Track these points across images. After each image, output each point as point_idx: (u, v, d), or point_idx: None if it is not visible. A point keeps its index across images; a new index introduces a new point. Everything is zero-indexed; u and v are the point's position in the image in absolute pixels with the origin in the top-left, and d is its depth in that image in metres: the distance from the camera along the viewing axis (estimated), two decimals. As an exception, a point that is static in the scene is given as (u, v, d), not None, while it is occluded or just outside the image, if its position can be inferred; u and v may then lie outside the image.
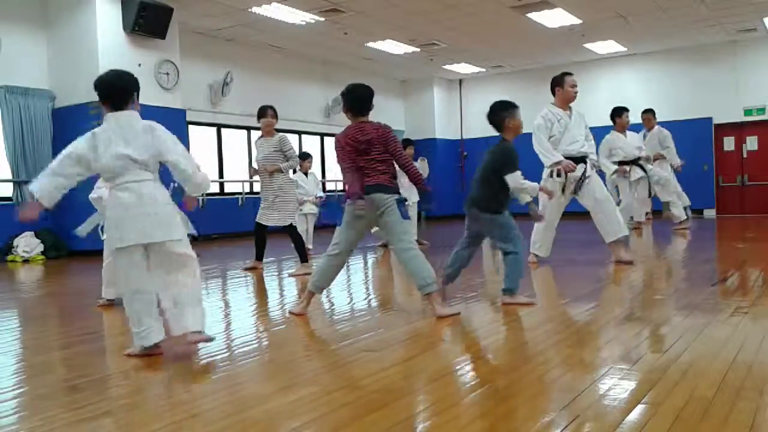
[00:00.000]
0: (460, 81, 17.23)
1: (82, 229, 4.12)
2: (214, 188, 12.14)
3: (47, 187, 2.99)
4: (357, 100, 3.96)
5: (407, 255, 3.93)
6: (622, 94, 14.88)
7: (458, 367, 2.87)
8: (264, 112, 6.51)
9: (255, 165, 6.67)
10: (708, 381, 2.45)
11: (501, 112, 4.17)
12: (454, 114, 17.46)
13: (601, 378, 2.58)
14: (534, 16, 11.09)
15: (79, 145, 3.05)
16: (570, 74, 5.99)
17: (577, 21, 11.55)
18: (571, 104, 5.99)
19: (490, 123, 4.23)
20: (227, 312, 4.63)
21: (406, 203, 4.02)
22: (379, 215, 3.92)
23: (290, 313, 4.20)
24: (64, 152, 3.06)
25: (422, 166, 9.30)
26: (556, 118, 5.87)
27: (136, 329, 3.10)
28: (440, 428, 2.07)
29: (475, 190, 4.22)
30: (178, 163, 3.11)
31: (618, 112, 8.93)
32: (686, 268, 6.22)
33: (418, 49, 13.33)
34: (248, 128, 12.83)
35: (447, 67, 15.39)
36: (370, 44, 12.80)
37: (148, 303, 3.11)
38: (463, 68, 15.66)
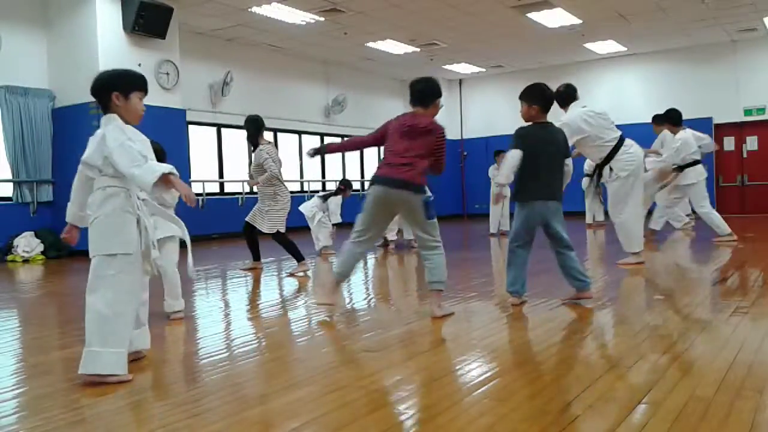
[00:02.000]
0: (460, 81, 17.23)
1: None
2: (215, 188, 12.13)
3: (71, 210, 3.00)
4: (415, 91, 4.02)
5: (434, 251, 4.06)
6: (622, 94, 14.89)
7: (458, 367, 2.87)
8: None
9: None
10: (708, 381, 2.45)
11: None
12: (454, 114, 17.45)
13: (601, 378, 2.58)
14: (534, 16, 11.09)
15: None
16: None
17: (577, 21, 11.54)
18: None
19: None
20: (227, 312, 4.63)
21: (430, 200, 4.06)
22: (404, 211, 3.99)
23: (318, 303, 4.31)
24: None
25: None
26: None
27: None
28: (440, 428, 2.07)
29: (550, 179, 4.10)
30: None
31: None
32: (686, 268, 6.22)
33: (418, 49, 13.33)
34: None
35: (447, 67, 15.39)
36: (370, 44, 12.80)
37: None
38: (463, 68, 15.66)
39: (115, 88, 2.86)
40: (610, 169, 5.73)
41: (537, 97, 4.11)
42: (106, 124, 2.85)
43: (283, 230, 6.48)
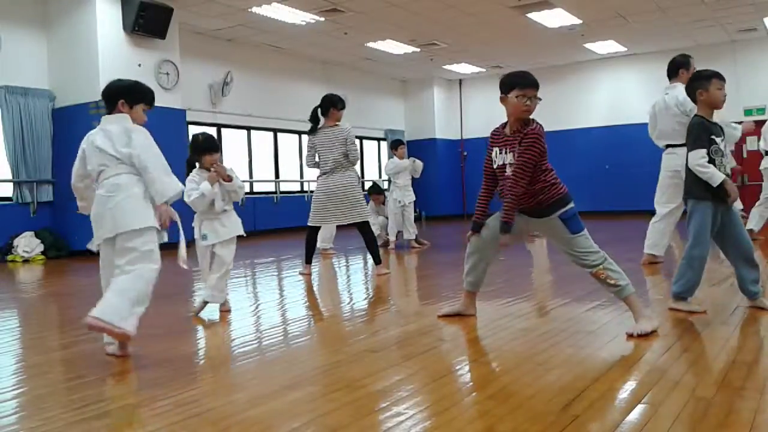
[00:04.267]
0: (460, 81, 17.23)
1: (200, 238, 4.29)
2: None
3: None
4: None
5: None
6: (622, 94, 14.90)
7: (458, 367, 2.87)
8: (342, 103, 6.21)
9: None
10: (708, 381, 2.45)
11: (693, 83, 3.75)
12: (454, 114, 17.46)
13: (601, 378, 2.58)
14: (534, 16, 11.09)
15: None
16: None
17: (577, 21, 11.55)
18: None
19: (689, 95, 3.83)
20: (227, 312, 4.63)
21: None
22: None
23: (439, 316, 3.89)
24: None
25: (415, 167, 9.27)
26: None
27: None
28: (440, 428, 2.07)
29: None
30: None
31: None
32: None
33: (418, 49, 13.33)
34: (248, 128, 12.84)
35: (447, 67, 15.40)
36: (370, 44, 12.80)
37: None
38: (463, 68, 15.67)
39: (123, 96, 3.21)
40: None
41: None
42: (120, 122, 3.16)
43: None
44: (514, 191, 3.40)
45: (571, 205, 3.45)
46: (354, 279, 6.35)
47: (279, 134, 13.53)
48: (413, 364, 2.91)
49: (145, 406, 2.48)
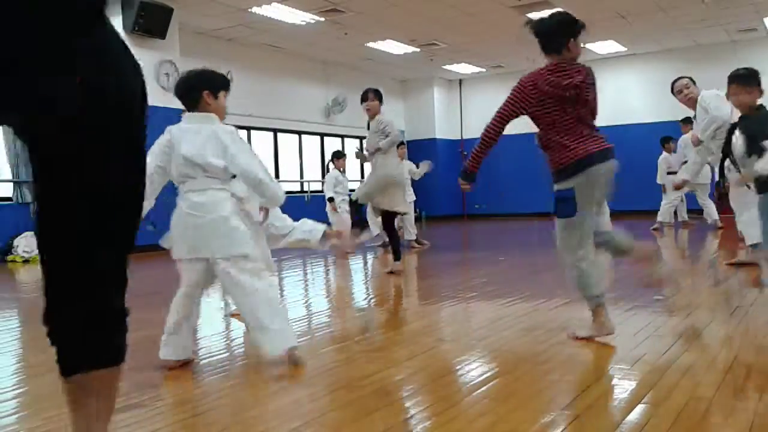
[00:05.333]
0: (460, 81, 17.23)
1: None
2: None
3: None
4: (542, 34, 3.10)
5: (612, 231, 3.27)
6: (622, 94, 14.89)
7: (458, 367, 2.87)
8: (365, 96, 6.31)
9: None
10: (708, 381, 2.45)
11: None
12: (454, 114, 17.46)
13: (601, 378, 2.59)
14: (534, 16, 11.05)
15: None
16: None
17: (577, 21, 11.55)
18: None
19: None
20: (226, 312, 4.63)
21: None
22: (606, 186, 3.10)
23: (576, 338, 3.18)
24: None
25: (419, 172, 9.30)
26: None
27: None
28: (440, 428, 2.07)
29: None
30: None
31: None
32: (686, 268, 6.22)
33: (418, 49, 13.33)
34: (248, 128, 12.83)
35: (447, 67, 15.39)
36: (370, 44, 12.80)
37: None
38: (463, 68, 15.66)
39: (207, 86, 2.93)
40: None
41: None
42: (208, 123, 2.88)
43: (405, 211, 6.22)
44: (482, 134, 3.27)
45: (569, 184, 3.00)
46: (354, 279, 6.35)
47: (279, 134, 13.53)
48: (413, 364, 2.91)
49: (145, 406, 2.48)
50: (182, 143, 2.82)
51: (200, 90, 2.92)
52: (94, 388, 1.42)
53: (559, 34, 3.04)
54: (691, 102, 5.69)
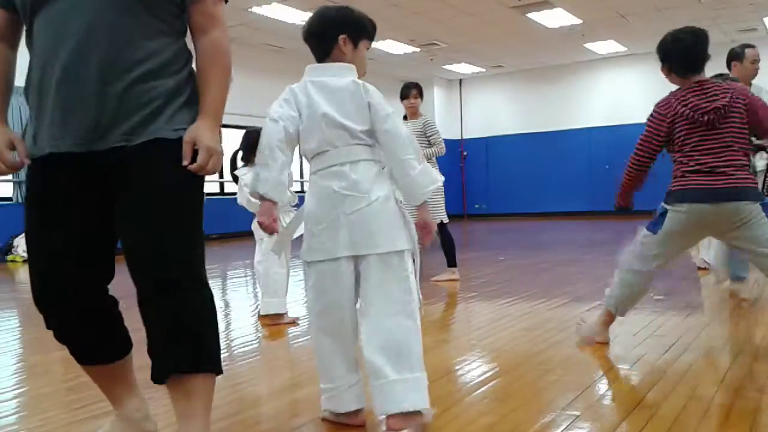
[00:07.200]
0: (460, 81, 17.22)
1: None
2: (214, 188, 12.13)
3: (275, 179, 2.05)
4: (683, 51, 2.92)
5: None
6: (622, 94, 14.90)
7: (458, 367, 2.87)
8: (407, 92, 5.56)
9: None
10: (708, 381, 2.45)
11: None
12: (454, 114, 17.45)
13: (601, 378, 2.59)
14: (534, 16, 11.09)
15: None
16: (751, 47, 4.62)
17: (577, 21, 11.55)
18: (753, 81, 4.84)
19: None
20: (227, 312, 4.63)
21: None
22: (734, 228, 2.79)
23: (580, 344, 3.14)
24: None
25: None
26: None
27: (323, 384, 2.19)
28: (440, 428, 2.07)
29: None
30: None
31: None
32: (686, 268, 6.22)
33: (418, 49, 13.33)
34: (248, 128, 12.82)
35: (447, 67, 15.39)
36: (370, 44, 12.80)
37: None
38: (463, 68, 15.66)
39: (344, 30, 2.18)
40: None
41: None
42: (347, 74, 2.12)
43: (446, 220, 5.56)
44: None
45: (666, 206, 2.91)
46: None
47: (279, 134, 13.53)
48: (413, 364, 2.90)
49: (145, 406, 2.47)
50: (321, 101, 2.07)
51: (335, 34, 2.17)
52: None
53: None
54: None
